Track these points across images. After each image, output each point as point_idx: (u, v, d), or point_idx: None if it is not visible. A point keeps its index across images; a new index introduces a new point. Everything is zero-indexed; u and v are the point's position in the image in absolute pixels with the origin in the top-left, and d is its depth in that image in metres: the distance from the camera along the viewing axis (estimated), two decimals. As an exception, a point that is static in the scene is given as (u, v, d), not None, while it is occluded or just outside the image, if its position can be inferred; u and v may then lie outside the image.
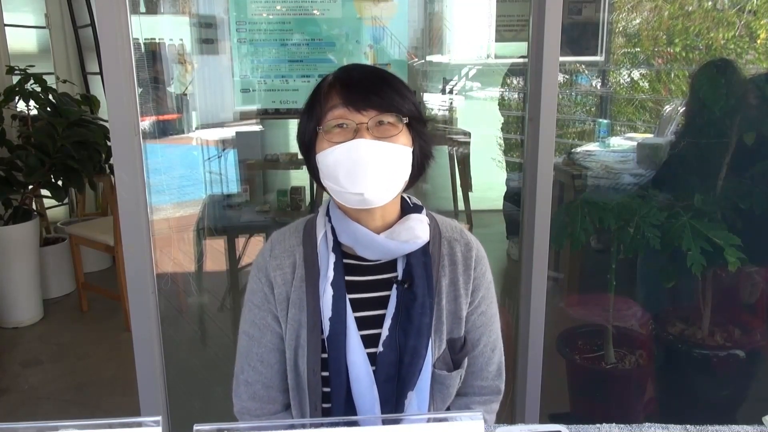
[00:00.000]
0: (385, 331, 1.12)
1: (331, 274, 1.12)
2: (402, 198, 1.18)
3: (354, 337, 1.11)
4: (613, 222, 2.10)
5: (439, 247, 1.18)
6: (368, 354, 1.12)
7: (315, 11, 2.17)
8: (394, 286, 1.13)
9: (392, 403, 1.13)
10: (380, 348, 1.12)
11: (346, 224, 1.12)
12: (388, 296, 1.13)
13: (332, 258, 1.13)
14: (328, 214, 1.16)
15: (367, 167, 1.04)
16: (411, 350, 1.11)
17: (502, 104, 3.28)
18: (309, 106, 1.11)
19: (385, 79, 1.09)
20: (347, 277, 1.13)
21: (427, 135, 1.14)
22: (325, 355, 1.12)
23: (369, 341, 1.12)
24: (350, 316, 1.12)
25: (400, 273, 1.14)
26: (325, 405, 1.14)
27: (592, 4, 2.78)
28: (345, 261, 1.14)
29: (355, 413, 1.12)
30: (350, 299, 1.13)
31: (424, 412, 1.15)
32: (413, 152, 1.10)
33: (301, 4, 2.15)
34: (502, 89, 3.21)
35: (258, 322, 1.18)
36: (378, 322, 1.13)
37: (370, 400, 1.12)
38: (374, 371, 1.12)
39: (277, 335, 1.17)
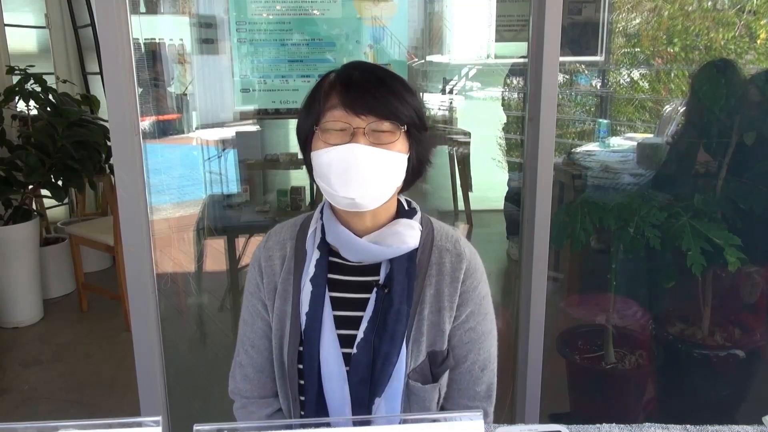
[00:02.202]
0: (360, 333, 1.12)
1: (312, 269, 1.13)
2: (398, 201, 1.17)
3: (329, 333, 1.12)
4: (613, 222, 2.10)
5: (429, 255, 1.15)
6: (344, 354, 1.12)
7: (315, 11, 2.17)
8: (374, 289, 1.13)
9: (364, 407, 1.13)
10: (354, 349, 1.12)
11: (333, 225, 1.12)
12: (368, 298, 1.13)
13: (316, 254, 1.14)
14: (322, 211, 1.17)
15: (359, 172, 1.04)
16: (383, 356, 1.10)
17: (503, 104, 3.27)
18: (309, 103, 1.11)
19: (387, 82, 1.07)
20: (331, 275, 1.14)
21: (426, 140, 1.13)
22: (302, 348, 1.13)
23: (347, 341, 1.12)
24: (328, 314, 1.12)
25: (382, 277, 1.13)
26: (302, 397, 1.16)
27: (592, 4, 2.78)
28: (331, 259, 1.15)
29: (325, 410, 1.13)
30: (332, 297, 1.13)
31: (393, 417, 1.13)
32: (409, 158, 1.10)
33: (301, 4, 2.15)
34: (503, 89, 3.20)
35: (251, 308, 1.21)
36: (356, 323, 1.13)
37: (340, 399, 1.12)
38: (348, 372, 1.12)
39: (266, 323, 1.20)
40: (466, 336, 1.17)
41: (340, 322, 1.13)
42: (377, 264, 1.14)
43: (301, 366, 1.14)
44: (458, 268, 1.15)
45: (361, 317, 1.13)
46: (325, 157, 1.05)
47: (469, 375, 1.19)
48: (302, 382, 1.14)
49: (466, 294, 1.15)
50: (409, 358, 1.13)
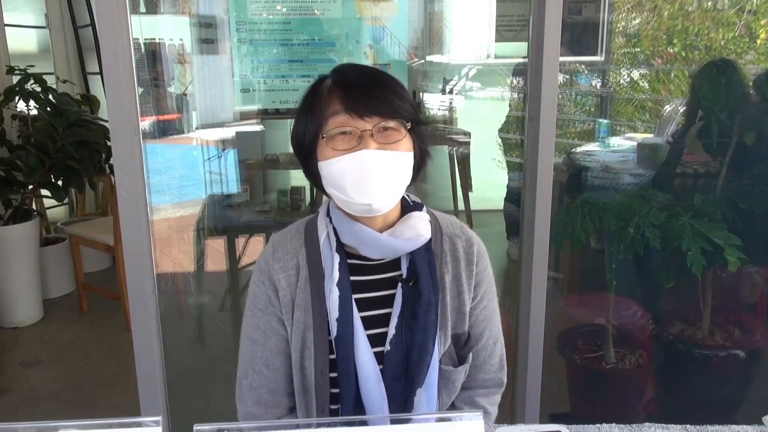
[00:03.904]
0: (391, 330, 1.12)
1: (336, 274, 1.11)
2: (402, 197, 1.17)
3: (361, 337, 1.11)
4: (613, 222, 2.11)
5: (441, 243, 1.18)
6: (375, 353, 1.12)
7: (315, 11, 2.17)
8: (399, 284, 1.13)
9: (400, 401, 1.13)
10: (387, 347, 1.12)
11: (348, 225, 1.12)
12: (393, 295, 1.14)
13: (337, 258, 1.12)
14: (328, 214, 1.16)
15: (373, 178, 1.04)
16: (418, 347, 1.11)
17: (510, 104, 3.26)
18: (306, 110, 1.10)
19: (384, 82, 1.08)
20: (351, 277, 1.13)
21: (425, 134, 1.14)
22: (332, 356, 1.12)
23: (375, 340, 1.12)
24: (356, 316, 1.12)
25: (404, 271, 1.14)
26: (333, 406, 1.14)
27: (592, 4, 2.78)
28: (349, 261, 1.14)
29: (363, 413, 1.12)
30: (355, 299, 1.13)
31: (432, 409, 1.16)
32: (414, 155, 1.11)
33: (301, 4, 2.15)
34: (510, 89, 3.20)
35: (262, 325, 1.17)
36: (384, 320, 1.13)
37: (378, 399, 1.12)
38: (381, 370, 1.12)
39: (282, 338, 1.16)
40: (482, 314, 1.22)
41: (366, 323, 1.13)
42: (394, 261, 1.15)
43: (332, 375, 1.12)
44: (471, 252, 1.20)
45: (386, 315, 1.13)
46: (336, 166, 1.05)
47: (484, 350, 1.24)
48: (333, 390, 1.13)
49: (480, 275, 1.20)
50: (439, 344, 1.15)
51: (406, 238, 1.11)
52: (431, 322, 1.12)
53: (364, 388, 1.12)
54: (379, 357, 1.12)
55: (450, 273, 1.17)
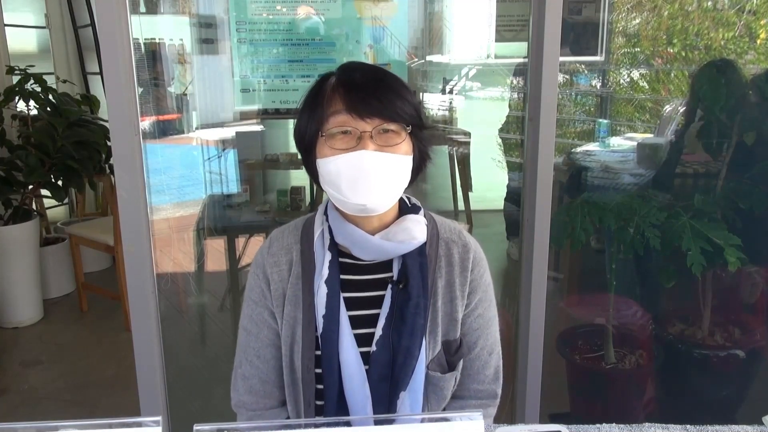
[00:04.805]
0: (378, 331, 1.12)
1: (326, 271, 1.12)
2: (400, 198, 1.18)
3: (347, 335, 1.12)
4: (613, 222, 2.11)
5: (437, 248, 1.17)
6: (362, 353, 1.12)
7: (315, 11, 2.17)
8: (389, 285, 1.13)
9: (385, 403, 1.13)
10: (373, 347, 1.12)
11: (342, 225, 1.12)
12: (383, 296, 1.14)
13: (328, 256, 1.13)
14: (326, 213, 1.17)
15: (369, 179, 1.04)
16: (404, 350, 1.11)
17: (510, 104, 3.26)
18: (309, 107, 1.10)
19: (388, 83, 1.08)
20: (343, 276, 1.14)
21: (426, 137, 1.14)
22: (319, 352, 1.12)
23: (363, 340, 1.13)
24: (344, 315, 1.12)
25: (395, 273, 1.14)
26: (319, 402, 1.15)
27: (592, 4, 2.78)
28: (341, 260, 1.14)
29: (347, 411, 1.13)
30: (345, 298, 1.13)
31: (416, 413, 1.15)
32: (413, 158, 1.11)
33: (301, 4, 2.15)
34: (510, 89, 3.19)
35: (255, 317, 1.19)
36: (372, 321, 1.13)
37: (362, 399, 1.12)
38: (367, 370, 1.12)
39: (273, 331, 1.18)
40: (476, 323, 1.20)
41: (354, 322, 1.13)
42: (387, 262, 1.15)
43: (318, 370, 1.13)
44: (466, 258, 1.18)
45: (374, 315, 1.13)
46: (333, 164, 1.05)
47: (478, 360, 1.22)
48: (319, 386, 1.14)
49: (475, 282, 1.18)
50: (427, 350, 1.14)
51: (399, 241, 1.11)
52: (419, 325, 1.12)
53: (348, 386, 1.12)
54: (366, 357, 1.12)
55: (443, 278, 1.17)
